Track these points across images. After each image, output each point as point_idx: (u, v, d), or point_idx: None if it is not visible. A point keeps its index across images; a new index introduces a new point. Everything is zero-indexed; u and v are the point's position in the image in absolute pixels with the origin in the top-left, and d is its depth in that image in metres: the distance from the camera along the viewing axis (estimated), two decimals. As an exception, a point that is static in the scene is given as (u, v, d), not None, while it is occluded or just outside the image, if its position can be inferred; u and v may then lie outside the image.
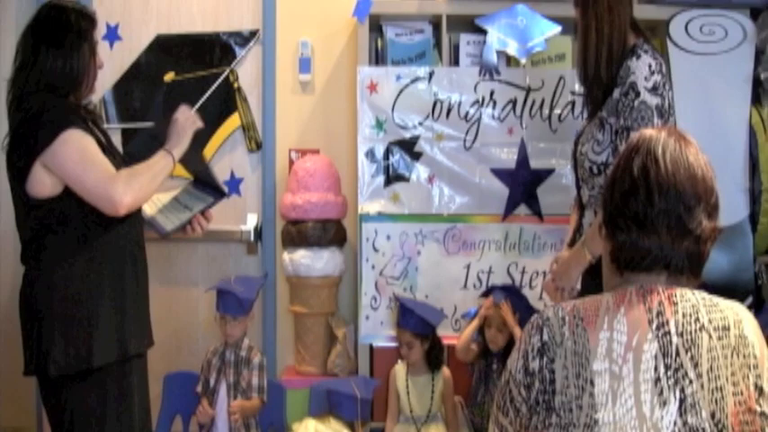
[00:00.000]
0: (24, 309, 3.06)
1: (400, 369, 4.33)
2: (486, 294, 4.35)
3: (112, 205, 2.96)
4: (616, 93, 3.09)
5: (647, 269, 1.83)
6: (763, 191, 4.32)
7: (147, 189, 3.10)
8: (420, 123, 4.45)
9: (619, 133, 3.05)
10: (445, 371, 4.33)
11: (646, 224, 1.81)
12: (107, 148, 3.13)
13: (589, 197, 3.24)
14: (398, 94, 4.45)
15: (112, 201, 2.95)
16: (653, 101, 3.00)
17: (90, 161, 2.97)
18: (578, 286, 3.22)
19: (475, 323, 4.25)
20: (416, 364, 4.30)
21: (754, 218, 4.33)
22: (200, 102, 4.90)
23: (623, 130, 3.03)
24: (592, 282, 3.09)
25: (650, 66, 3.05)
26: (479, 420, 4.23)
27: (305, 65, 4.93)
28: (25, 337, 3.05)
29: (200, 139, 4.83)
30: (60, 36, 3.07)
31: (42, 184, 2.96)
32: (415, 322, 4.24)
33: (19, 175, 2.99)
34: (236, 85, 4.93)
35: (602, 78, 3.17)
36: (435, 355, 4.31)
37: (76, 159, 2.94)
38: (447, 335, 4.42)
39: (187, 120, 3.35)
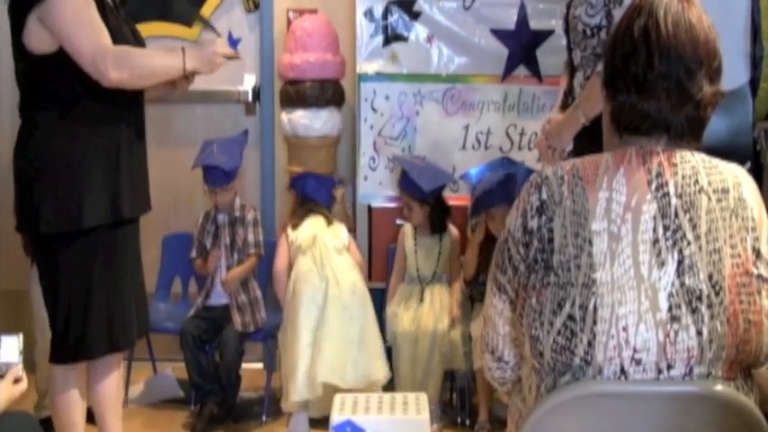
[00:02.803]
0: (18, 166, 3.07)
1: (409, 229, 4.36)
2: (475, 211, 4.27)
3: (98, 75, 2.93)
4: None
5: (647, 132, 1.81)
6: (765, 56, 4.28)
7: (140, 74, 3.05)
8: (419, -18, 4.40)
9: None
10: (453, 230, 4.36)
11: (645, 87, 1.78)
12: (109, 4, 3.07)
13: (581, 59, 3.23)
14: (397, -48, 4.38)
15: (98, 70, 2.92)
16: None
17: (84, 21, 2.92)
18: (570, 148, 3.23)
19: (474, 249, 4.24)
20: (421, 225, 4.32)
21: (754, 83, 4.30)
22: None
23: None
24: (587, 145, 3.10)
25: None
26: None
27: None
28: (18, 193, 3.07)
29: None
30: None
31: (38, 38, 2.93)
32: (411, 186, 4.24)
33: (16, 26, 2.95)
34: (232, -58, 4.84)
35: None
36: (438, 217, 4.32)
37: (70, 17, 2.90)
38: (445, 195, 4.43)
39: (221, 56, 3.20)
